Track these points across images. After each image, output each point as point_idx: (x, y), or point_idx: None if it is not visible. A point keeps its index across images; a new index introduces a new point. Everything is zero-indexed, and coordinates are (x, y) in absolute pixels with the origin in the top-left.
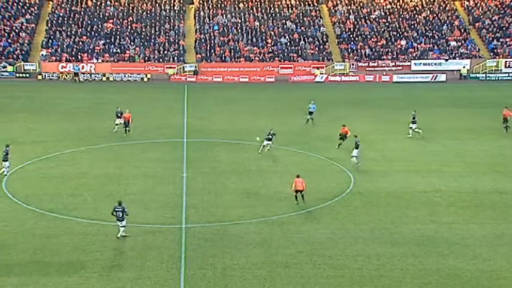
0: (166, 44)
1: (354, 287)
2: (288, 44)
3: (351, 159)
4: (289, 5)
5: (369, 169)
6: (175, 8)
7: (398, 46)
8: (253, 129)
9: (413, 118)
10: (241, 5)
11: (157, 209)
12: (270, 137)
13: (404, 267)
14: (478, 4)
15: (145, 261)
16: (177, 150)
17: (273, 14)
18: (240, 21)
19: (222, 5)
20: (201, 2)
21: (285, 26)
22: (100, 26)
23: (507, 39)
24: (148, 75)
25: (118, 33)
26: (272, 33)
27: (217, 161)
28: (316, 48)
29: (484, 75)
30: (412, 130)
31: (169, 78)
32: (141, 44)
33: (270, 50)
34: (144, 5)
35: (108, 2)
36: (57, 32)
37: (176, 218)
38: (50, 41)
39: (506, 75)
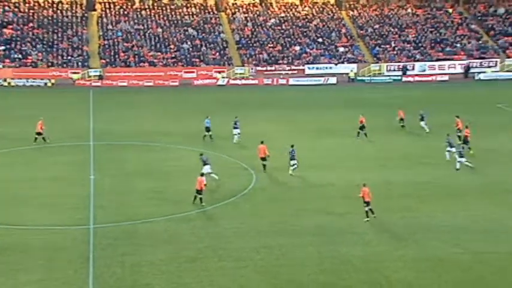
0: (70, 49)
1: (257, 276)
2: (190, 49)
3: (290, 170)
4: (190, 13)
5: (270, 166)
6: (78, 14)
7: (293, 51)
8: (159, 131)
9: (421, 116)
10: (143, 12)
11: (65, 211)
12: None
13: (303, 256)
14: (362, 14)
15: (52, 263)
16: (85, 153)
17: (175, 21)
18: (143, 27)
19: (125, 12)
20: (103, 9)
21: (186, 33)
22: None
23: (387, 46)
24: (52, 81)
25: (19, 38)
26: (175, 39)
27: (124, 162)
28: (217, 54)
29: (369, 78)
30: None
31: (73, 83)
32: (44, 49)
33: (173, 55)
34: (45, 11)
35: (7, 8)
36: None
37: (84, 218)
38: None
39: (388, 78)
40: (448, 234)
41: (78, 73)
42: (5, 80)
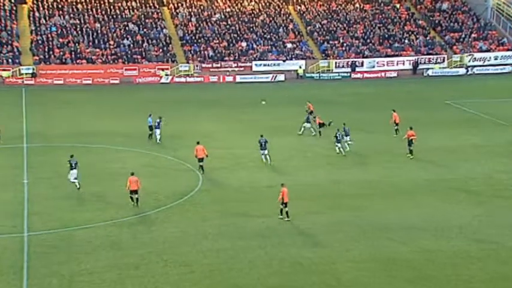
0: None
1: (204, 281)
2: (132, 45)
3: (265, 160)
4: (130, 7)
5: (216, 167)
6: (6, 7)
7: (240, 48)
8: (99, 132)
9: (307, 118)
10: (79, 6)
11: None
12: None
13: (252, 259)
14: (309, 9)
15: None
16: (17, 156)
17: (114, 16)
18: (79, 22)
19: (59, 6)
20: (35, 2)
21: (127, 28)
22: None
23: (335, 42)
24: None
25: None
26: (114, 35)
27: (60, 165)
28: (160, 50)
29: (318, 74)
30: (305, 129)
31: (3, 81)
32: None
33: (113, 51)
34: None
35: None
36: None
37: (17, 226)
38: None
39: (337, 74)
40: (399, 232)
41: (8, 70)
42: None
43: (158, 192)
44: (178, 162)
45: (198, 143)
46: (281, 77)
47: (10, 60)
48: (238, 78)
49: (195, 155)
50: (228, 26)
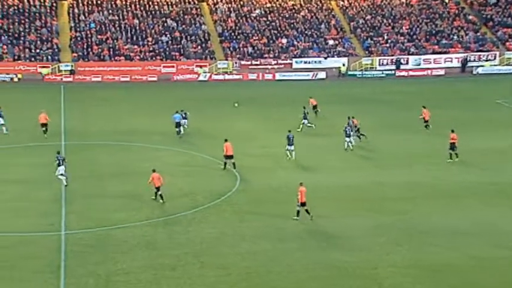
0: (38, 42)
1: (241, 284)
2: (170, 42)
3: (290, 156)
4: (169, 3)
5: (253, 166)
6: (46, 4)
7: (280, 44)
8: (135, 130)
9: (304, 114)
10: (118, 2)
11: (33, 216)
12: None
13: (290, 262)
14: (352, 4)
15: (19, 273)
16: (55, 153)
17: (153, 12)
18: (118, 18)
19: (98, 2)
20: None
21: (165, 24)
22: None
23: (380, 38)
24: (19, 75)
25: None
26: (152, 31)
27: (97, 163)
28: (199, 47)
29: (360, 72)
30: (303, 125)
31: (42, 78)
32: (9, 41)
33: (151, 48)
34: (10, 0)
35: None
36: None
37: (55, 225)
38: None
39: (381, 72)
40: (444, 237)
41: (47, 67)
42: None
43: (195, 192)
44: (216, 162)
45: (226, 140)
46: (322, 75)
47: (49, 57)
48: (277, 76)
49: (224, 152)
50: (268, 22)
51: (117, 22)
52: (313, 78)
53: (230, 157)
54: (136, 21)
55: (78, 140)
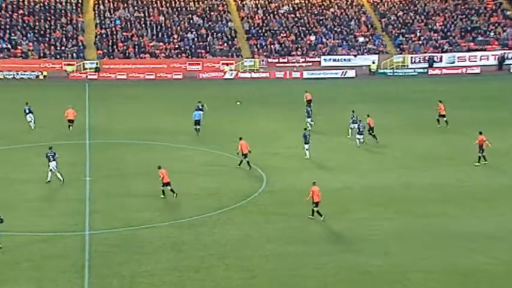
0: (64, 39)
1: (266, 287)
2: (195, 39)
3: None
4: None
5: (280, 167)
6: (72, 0)
7: (308, 42)
8: (161, 129)
9: (308, 113)
10: None
11: (57, 216)
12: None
13: (317, 266)
14: (384, 0)
15: (43, 273)
16: (79, 152)
17: (178, 8)
18: (143, 15)
19: None
20: None
21: (191, 21)
22: None
23: (412, 35)
24: (45, 73)
25: (8, 27)
26: (178, 28)
27: (122, 162)
28: (225, 44)
29: (391, 70)
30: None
31: (68, 75)
32: (35, 39)
33: (177, 45)
34: None
35: None
36: None
37: (79, 224)
38: None
39: (412, 70)
40: (476, 242)
41: (72, 65)
42: None
43: (220, 192)
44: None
45: (240, 138)
46: (351, 73)
47: (74, 54)
48: (305, 74)
49: (239, 150)
50: (296, 19)
51: (142, 19)
52: (342, 76)
53: (245, 155)
54: (161, 18)
55: (102, 139)
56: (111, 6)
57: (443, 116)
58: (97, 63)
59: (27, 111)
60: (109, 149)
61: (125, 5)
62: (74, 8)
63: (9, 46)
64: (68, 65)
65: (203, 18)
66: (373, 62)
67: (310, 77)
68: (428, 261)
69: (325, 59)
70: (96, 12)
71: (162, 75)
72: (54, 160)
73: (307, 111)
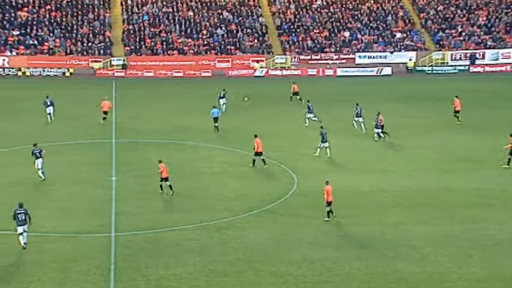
0: (91, 35)
1: None
2: (225, 35)
3: (317, 152)
4: None
5: (312, 169)
6: None
7: (342, 38)
8: (188, 128)
9: (309, 108)
10: None
11: (83, 216)
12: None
13: (350, 272)
14: None
15: (69, 274)
16: (105, 151)
17: (208, 3)
18: (172, 10)
19: None
20: None
21: (221, 17)
22: (13, 14)
23: (452, 31)
24: (71, 70)
25: (35, 22)
26: (207, 24)
27: (149, 162)
28: (255, 40)
29: (430, 68)
30: (309, 120)
31: (94, 72)
32: (62, 35)
33: (206, 42)
34: None
35: None
36: None
37: (104, 225)
38: None
39: (453, 68)
40: None
41: (99, 62)
42: (19, 70)
43: (249, 194)
44: (271, 163)
45: (255, 136)
46: (387, 71)
47: (101, 50)
48: (339, 72)
49: (254, 148)
50: (329, 14)
51: (170, 14)
52: (378, 74)
53: (260, 154)
54: (190, 13)
55: (129, 138)
56: (139, 1)
57: (458, 111)
58: (124, 60)
59: (48, 103)
60: (136, 149)
61: (153, 0)
62: (102, 3)
63: (35, 42)
64: (95, 61)
65: (233, 13)
66: (411, 59)
67: (343, 75)
68: (469, 269)
69: (359, 56)
70: (124, 7)
71: (191, 72)
72: (40, 157)
73: (308, 106)
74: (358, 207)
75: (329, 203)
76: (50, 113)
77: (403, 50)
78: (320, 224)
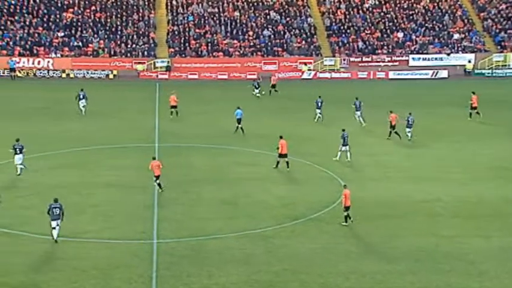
0: (135, 36)
1: None
2: (272, 36)
3: (337, 156)
4: None
5: (361, 176)
6: None
7: (395, 39)
8: (232, 132)
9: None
10: None
11: (124, 222)
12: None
13: (402, 285)
14: None
15: (110, 282)
16: (148, 156)
17: (255, 4)
18: (217, 11)
19: None
20: None
21: (268, 17)
22: (58, 15)
23: None
24: (115, 72)
25: (79, 24)
26: (254, 24)
27: (192, 167)
28: (303, 42)
29: (490, 71)
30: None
31: (138, 75)
32: (106, 36)
33: (252, 43)
34: None
35: None
36: (9, 22)
37: (146, 232)
38: (1, 32)
39: None
40: None
41: (143, 64)
42: (63, 71)
43: (296, 201)
44: (318, 169)
45: (281, 137)
46: (444, 74)
47: (145, 52)
48: (391, 75)
49: (279, 150)
50: (382, 14)
51: (216, 15)
52: (433, 77)
53: (284, 155)
54: (236, 13)
55: (172, 142)
56: (184, 1)
57: (475, 108)
58: (168, 62)
59: (81, 96)
60: (179, 153)
61: (199, 0)
62: (146, 3)
63: (80, 44)
64: (139, 63)
65: (281, 13)
66: (469, 61)
67: (396, 78)
68: None
69: (413, 58)
70: (169, 8)
71: (236, 75)
72: (21, 153)
73: (317, 102)
74: (411, 217)
75: (347, 208)
76: (83, 106)
77: (460, 52)
78: (370, 234)
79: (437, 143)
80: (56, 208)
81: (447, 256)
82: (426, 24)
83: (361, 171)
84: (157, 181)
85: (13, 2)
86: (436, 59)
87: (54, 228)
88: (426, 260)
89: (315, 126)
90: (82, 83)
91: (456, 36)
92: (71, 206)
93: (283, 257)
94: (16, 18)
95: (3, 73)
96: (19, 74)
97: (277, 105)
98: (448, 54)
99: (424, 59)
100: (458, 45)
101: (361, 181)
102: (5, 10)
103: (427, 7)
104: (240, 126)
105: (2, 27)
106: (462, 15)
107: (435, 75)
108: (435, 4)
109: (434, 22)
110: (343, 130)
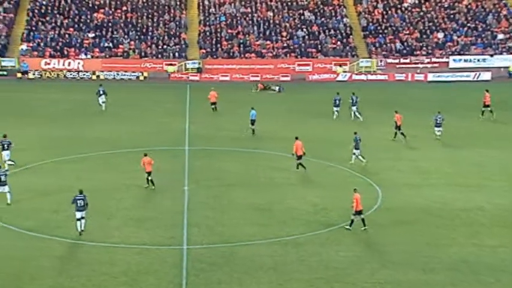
0: (166, 37)
1: None
2: (306, 37)
3: (352, 160)
4: None
5: (398, 182)
6: None
7: (435, 39)
8: (265, 136)
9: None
10: None
11: (154, 227)
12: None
13: None
14: None
15: None
16: (178, 159)
17: (289, 3)
18: (250, 11)
19: None
20: None
21: (302, 17)
22: (89, 16)
23: None
24: (145, 73)
25: (110, 24)
26: (287, 25)
27: (223, 172)
28: (339, 43)
29: None
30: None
31: (168, 76)
32: (137, 37)
33: (285, 44)
34: None
35: None
36: (40, 23)
37: (176, 237)
38: (32, 33)
39: None
40: None
41: (173, 65)
42: (93, 73)
43: (329, 208)
44: (353, 174)
45: (296, 138)
46: (487, 76)
47: (176, 53)
48: (430, 77)
49: (294, 151)
50: (422, 14)
51: (249, 15)
52: (475, 79)
53: (300, 157)
54: (270, 13)
55: (203, 145)
56: (217, 1)
57: (488, 106)
58: (199, 64)
59: (100, 92)
60: (210, 157)
61: (231, 0)
62: (178, 3)
63: (110, 45)
64: (169, 65)
65: (315, 13)
66: None
67: (436, 80)
68: None
69: (454, 60)
70: (201, 8)
71: (269, 76)
72: (8, 149)
73: (335, 100)
74: (450, 226)
75: (359, 212)
76: (103, 102)
77: (505, 53)
78: (407, 242)
79: (479, 148)
80: (80, 200)
81: (490, 267)
82: (468, 24)
83: (398, 177)
84: (149, 177)
85: (44, 2)
86: (478, 60)
87: (78, 219)
88: (467, 271)
89: (350, 130)
90: (112, 85)
91: (500, 36)
92: (100, 210)
93: (316, 265)
94: (47, 19)
95: (34, 74)
96: (31, 76)
97: (312, 108)
98: (492, 56)
99: (465, 61)
100: (503, 46)
101: (398, 187)
102: (36, 11)
103: (469, 6)
104: (252, 127)
105: (33, 28)
106: (507, 14)
107: (477, 78)
108: (478, 3)
109: (477, 22)
110: (355, 133)
